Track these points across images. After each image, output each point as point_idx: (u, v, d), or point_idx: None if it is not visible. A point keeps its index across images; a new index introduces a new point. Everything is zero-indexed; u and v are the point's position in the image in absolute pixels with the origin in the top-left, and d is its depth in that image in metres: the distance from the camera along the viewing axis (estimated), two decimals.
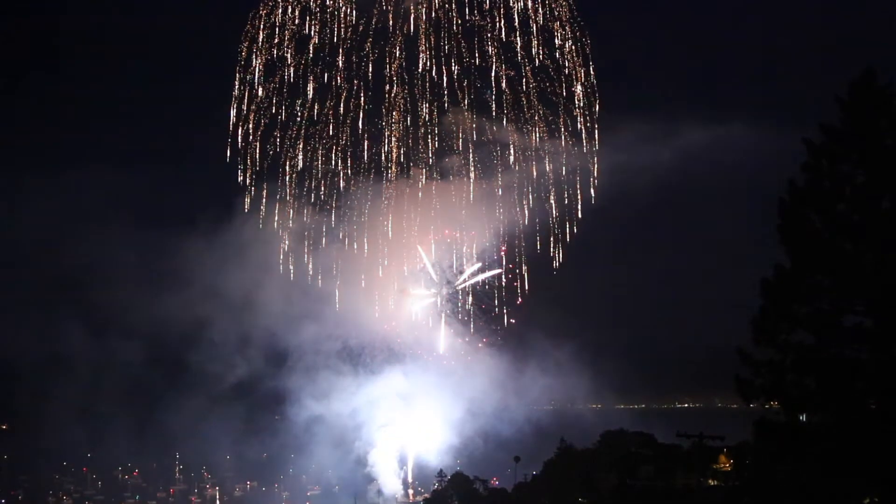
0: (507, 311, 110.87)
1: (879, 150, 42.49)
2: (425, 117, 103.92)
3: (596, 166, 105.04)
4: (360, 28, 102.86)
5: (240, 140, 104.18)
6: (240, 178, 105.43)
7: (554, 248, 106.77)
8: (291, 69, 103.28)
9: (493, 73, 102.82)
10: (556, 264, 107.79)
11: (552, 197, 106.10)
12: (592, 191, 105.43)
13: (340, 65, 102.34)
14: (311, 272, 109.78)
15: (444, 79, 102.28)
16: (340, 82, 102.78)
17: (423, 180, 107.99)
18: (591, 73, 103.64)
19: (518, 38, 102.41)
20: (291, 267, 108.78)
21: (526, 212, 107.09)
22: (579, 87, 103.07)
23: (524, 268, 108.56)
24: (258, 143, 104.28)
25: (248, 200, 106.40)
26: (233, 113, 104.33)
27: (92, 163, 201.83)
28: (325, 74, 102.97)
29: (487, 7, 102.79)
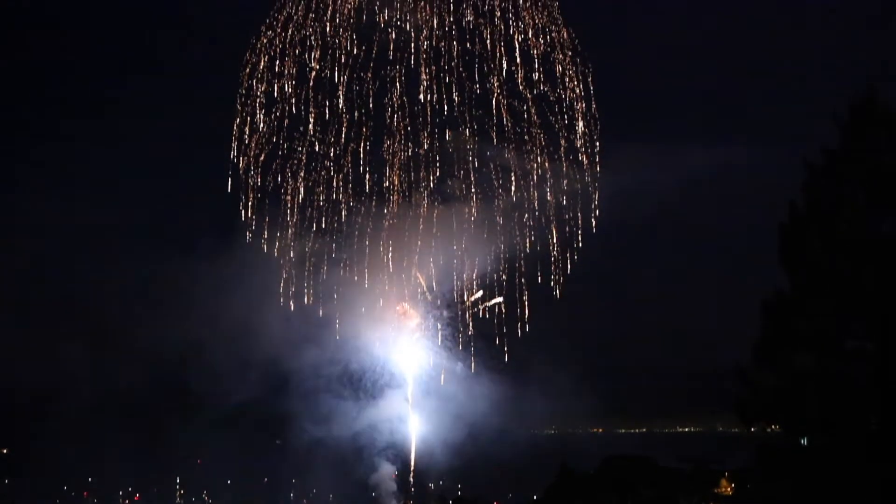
0: (507, 345, 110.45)
1: (880, 170, 42.56)
2: (426, 144, 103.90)
3: (597, 193, 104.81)
4: (361, 57, 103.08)
5: (241, 169, 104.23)
6: (241, 208, 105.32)
7: (555, 274, 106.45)
8: (292, 98, 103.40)
9: (493, 102, 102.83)
10: (556, 292, 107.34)
11: (553, 225, 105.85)
12: (593, 219, 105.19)
13: (341, 94, 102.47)
14: (311, 298, 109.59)
15: (445, 107, 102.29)
16: (341, 110, 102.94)
17: (425, 206, 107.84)
18: (593, 101, 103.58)
19: (519, 69, 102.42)
20: (292, 292, 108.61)
21: (528, 238, 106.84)
22: (581, 121, 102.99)
23: (525, 296, 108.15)
24: (259, 174, 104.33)
25: (248, 234, 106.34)
26: (234, 144, 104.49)
27: (93, 185, 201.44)
28: (327, 103, 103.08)
29: (488, 36, 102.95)
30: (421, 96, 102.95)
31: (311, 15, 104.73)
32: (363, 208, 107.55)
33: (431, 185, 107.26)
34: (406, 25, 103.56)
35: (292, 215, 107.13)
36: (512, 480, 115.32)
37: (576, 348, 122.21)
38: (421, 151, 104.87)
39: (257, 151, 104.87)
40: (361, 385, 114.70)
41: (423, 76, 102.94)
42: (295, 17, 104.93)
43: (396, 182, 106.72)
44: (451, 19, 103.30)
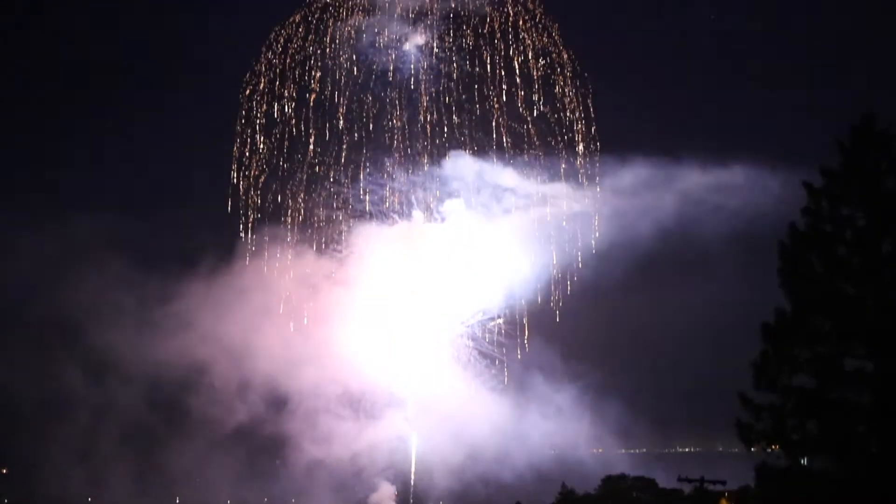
0: (506, 366, 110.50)
1: (880, 192, 42.70)
2: (426, 165, 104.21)
3: (597, 214, 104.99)
4: (360, 78, 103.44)
5: (241, 190, 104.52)
6: (240, 229, 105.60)
7: (555, 295, 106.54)
8: (292, 120, 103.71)
9: (493, 123, 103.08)
10: (556, 314, 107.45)
11: (553, 246, 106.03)
12: (593, 240, 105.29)
13: (341, 115, 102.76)
14: (311, 318, 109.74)
15: (445, 128, 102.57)
16: (341, 131, 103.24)
17: (425, 227, 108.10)
18: (592, 122, 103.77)
19: (519, 90, 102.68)
20: (292, 312, 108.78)
21: (527, 258, 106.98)
22: (581, 142, 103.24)
23: (525, 317, 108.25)
24: (258, 195, 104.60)
25: (248, 255, 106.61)
26: (234, 165, 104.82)
27: (92, 205, 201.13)
28: (327, 124, 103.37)
29: (488, 58, 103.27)
30: (421, 117, 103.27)
31: (311, 37, 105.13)
32: (363, 229, 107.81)
33: (431, 205, 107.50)
34: (406, 47, 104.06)
35: (292, 236, 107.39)
36: (511, 502, 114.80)
37: (575, 369, 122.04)
38: (420, 172, 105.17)
39: (257, 172, 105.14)
40: (361, 405, 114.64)
41: (423, 97, 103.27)
42: (294, 39, 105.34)
43: (396, 203, 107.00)
44: (451, 41, 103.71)
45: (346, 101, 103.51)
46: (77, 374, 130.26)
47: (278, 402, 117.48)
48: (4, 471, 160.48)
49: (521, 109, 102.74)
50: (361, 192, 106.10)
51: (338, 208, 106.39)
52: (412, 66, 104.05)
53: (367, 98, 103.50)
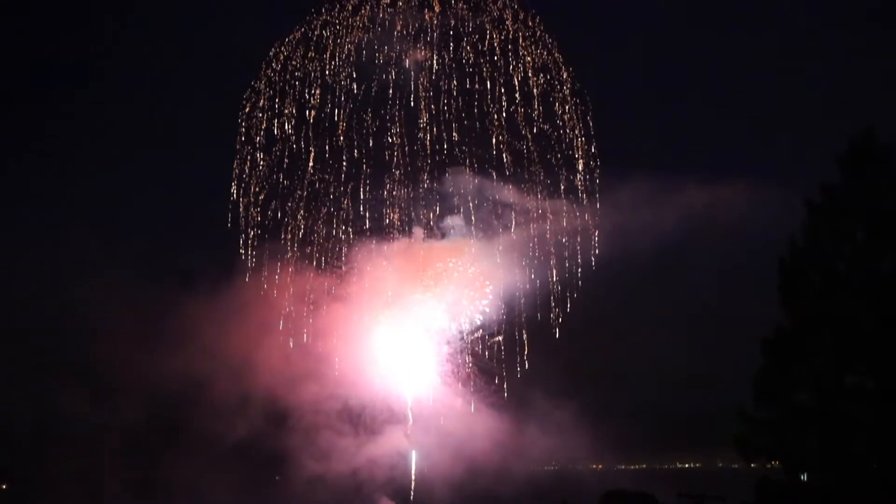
0: (506, 383, 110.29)
1: (879, 208, 42.81)
2: (426, 182, 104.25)
3: (596, 231, 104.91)
4: (360, 96, 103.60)
5: (241, 207, 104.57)
6: (240, 245, 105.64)
7: (555, 311, 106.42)
8: (292, 137, 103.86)
9: (493, 139, 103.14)
10: (556, 330, 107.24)
11: (553, 262, 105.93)
12: (593, 257, 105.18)
13: (341, 132, 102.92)
14: (310, 334, 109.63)
15: (445, 145, 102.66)
16: (341, 146, 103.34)
17: (425, 243, 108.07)
18: (593, 140, 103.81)
19: (519, 107, 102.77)
20: (291, 328, 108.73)
21: (527, 275, 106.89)
22: (581, 159, 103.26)
23: (524, 334, 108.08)
24: (258, 211, 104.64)
25: (248, 271, 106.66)
26: (234, 182, 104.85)
27: (92, 220, 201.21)
28: (327, 142, 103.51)
29: (487, 74, 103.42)
30: (421, 134, 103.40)
31: (311, 53, 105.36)
32: (363, 245, 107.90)
33: (431, 222, 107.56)
34: (406, 64, 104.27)
35: (292, 252, 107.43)
36: None
37: (575, 385, 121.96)
38: (421, 189, 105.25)
39: (257, 189, 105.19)
40: (361, 421, 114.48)
41: (423, 114, 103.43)
42: (294, 56, 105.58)
43: (396, 219, 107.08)
44: (451, 58, 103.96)
45: (345, 118, 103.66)
46: (76, 390, 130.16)
47: (278, 418, 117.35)
48: (3, 486, 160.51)
49: (520, 126, 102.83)
50: (361, 208, 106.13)
51: (337, 225, 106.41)
52: (412, 83, 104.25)
53: (367, 115, 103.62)
